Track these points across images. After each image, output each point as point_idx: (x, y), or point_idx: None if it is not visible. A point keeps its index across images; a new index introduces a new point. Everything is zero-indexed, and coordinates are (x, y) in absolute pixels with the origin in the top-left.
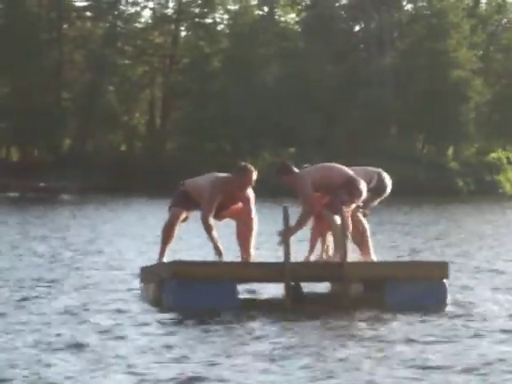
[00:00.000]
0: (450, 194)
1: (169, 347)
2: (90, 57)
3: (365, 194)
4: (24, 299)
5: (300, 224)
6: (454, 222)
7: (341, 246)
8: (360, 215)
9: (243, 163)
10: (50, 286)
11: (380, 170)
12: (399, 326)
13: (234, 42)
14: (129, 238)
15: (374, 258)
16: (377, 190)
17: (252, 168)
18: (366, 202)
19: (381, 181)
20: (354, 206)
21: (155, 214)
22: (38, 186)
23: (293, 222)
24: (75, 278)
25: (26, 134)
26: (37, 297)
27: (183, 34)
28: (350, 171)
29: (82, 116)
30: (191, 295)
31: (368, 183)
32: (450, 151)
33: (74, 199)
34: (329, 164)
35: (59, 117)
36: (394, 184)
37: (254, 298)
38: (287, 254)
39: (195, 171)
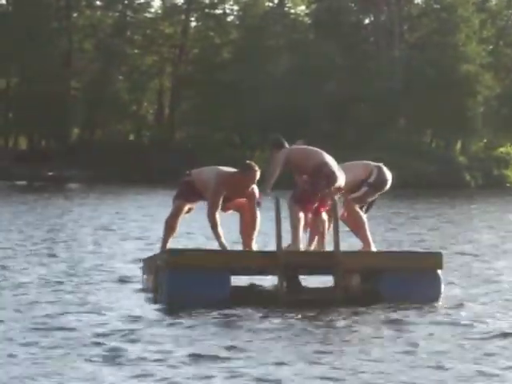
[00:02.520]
0: (457, 188)
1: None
2: (99, 46)
3: (339, 181)
4: None
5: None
6: (457, 216)
7: (295, 239)
8: (357, 208)
9: (248, 161)
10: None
11: (381, 164)
12: (393, 316)
13: (244, 33)
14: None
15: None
16: (376, 184)
17: (256, 167)
18: (365, 196)
19: (381, 175)
20: (336, 193)
21: (160, 204)
22: (46, 174)
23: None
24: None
25: (35, 123)
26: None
27: (193, 24)
28: (324, 159)
29: (90, 105)
30: (184, 284)
31: (368, 177)
32: (459, 146)
33: (82, 188)
34: (311, 148)
35: (68, 106)
36: (401, 178)
37: (247, 288)
38: (279, 242)
39: (204, 162)
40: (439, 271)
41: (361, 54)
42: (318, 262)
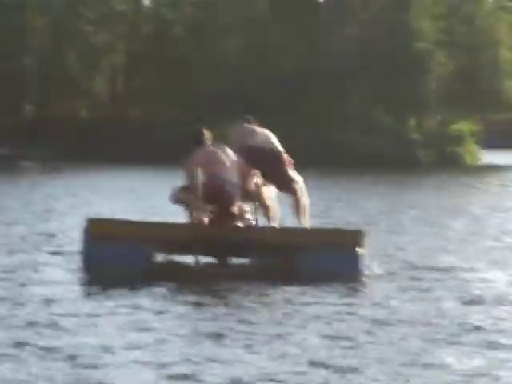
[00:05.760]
0: (410, 164)
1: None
2: (51, 22)
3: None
4: None
5: None
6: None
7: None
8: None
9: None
10: None
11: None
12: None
13: (197, 9)
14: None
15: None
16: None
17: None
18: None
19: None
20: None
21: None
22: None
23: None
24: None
25: None
26: None
27: (145, 1)
28: (246, 140)
29: (43, 82)
30: (101, 254)
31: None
32: (412, 122)
33: (35, 166)
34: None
35: (21, 83)
36: (355, 153)
37: (167, 262)
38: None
39: (159, 139)
40: (359, 249)
41: (313, 31)
42: (233, 237)
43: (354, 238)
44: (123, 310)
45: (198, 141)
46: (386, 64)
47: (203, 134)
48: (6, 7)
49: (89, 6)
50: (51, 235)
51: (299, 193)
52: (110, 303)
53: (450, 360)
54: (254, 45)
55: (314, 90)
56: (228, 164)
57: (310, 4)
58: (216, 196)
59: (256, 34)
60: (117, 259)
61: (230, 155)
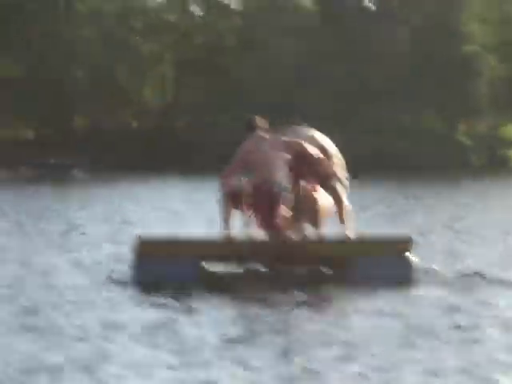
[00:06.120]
0: (460, 168)
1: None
2: (101, 34)
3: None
4: None
5: None
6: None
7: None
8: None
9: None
10: None
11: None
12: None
13: (247, 18)
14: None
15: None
16: None
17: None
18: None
19: None
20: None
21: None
22: (50, 162)
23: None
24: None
25: (39, 112)
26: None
27: (195, 11)
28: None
29: (93, 93)
30: (149, 272)
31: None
32: (462, 126)
33: (86, 176)
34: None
35: (71, 94)
36: (406, 160)
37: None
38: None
39: (208, 148)
40: (408, 254)
41: (364, 36)
42: (284, 252)
43: (405, 246)
44: (174, 319)
45: (250, 128)
46: (436, 69)
47: (256, 120)
48: (56, 20)
49: (139, 17)
50: (95, 242)
51: (339, 193)
52: (159, 314)
53: None
54: (304, 54)
55: (365, 96)
56: (278, 159)
57: (361, 11)
58: (263, 198)
59: (307, 44)
60: (166, 274)
61: (281, 144)
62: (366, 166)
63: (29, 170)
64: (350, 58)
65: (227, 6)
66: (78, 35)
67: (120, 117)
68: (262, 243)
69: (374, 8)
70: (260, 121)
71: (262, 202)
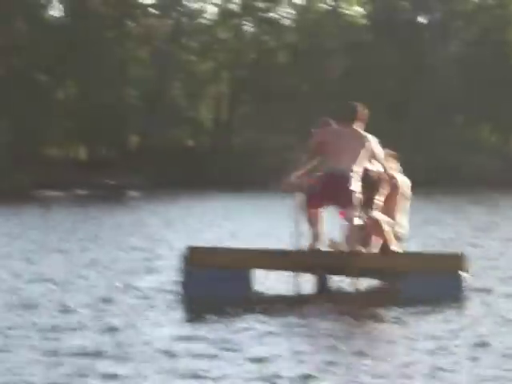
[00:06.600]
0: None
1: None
2: (154, 53)
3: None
4: None
5: None
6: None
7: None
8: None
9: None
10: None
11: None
12: (414, 320)
13: (300, 35)
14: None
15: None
16: None
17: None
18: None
19: None
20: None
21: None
22: (105, 183)
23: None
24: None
25: (93, 132)
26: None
27: (248, 28)
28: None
29: (147, 112)
30: (202, 283)
31: None
32: None
33: (142, 196)
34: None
35: (125, 113)
36: (460, 173)
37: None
38: (297, 241)
39: (262, 166)
40: (463, 273)
41: (416, 51)
42: (338, 263)
43: (456, 262)
44: (228, 334)
45: (351, 117)
46: (490, 82)
47: (357, 112)
48: (109, 40)
49: (192, 35)
50: (154, 261)
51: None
52: (209, 328)
53: None
54: (357, 69)
55: (417, 110)
56: (355, 156)
57: (413, 25)
58: (334, 193)
59: (359, 58)
60: (217, 287)
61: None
62: (420, 179)
63: (84, 191)
64: (403, 73)
65: (280, 23)
66: (131, 56)
67: (175, 136)
68: (316, 253)
69: (426, 22)
70: (361, 109)
71: (336, 185)
